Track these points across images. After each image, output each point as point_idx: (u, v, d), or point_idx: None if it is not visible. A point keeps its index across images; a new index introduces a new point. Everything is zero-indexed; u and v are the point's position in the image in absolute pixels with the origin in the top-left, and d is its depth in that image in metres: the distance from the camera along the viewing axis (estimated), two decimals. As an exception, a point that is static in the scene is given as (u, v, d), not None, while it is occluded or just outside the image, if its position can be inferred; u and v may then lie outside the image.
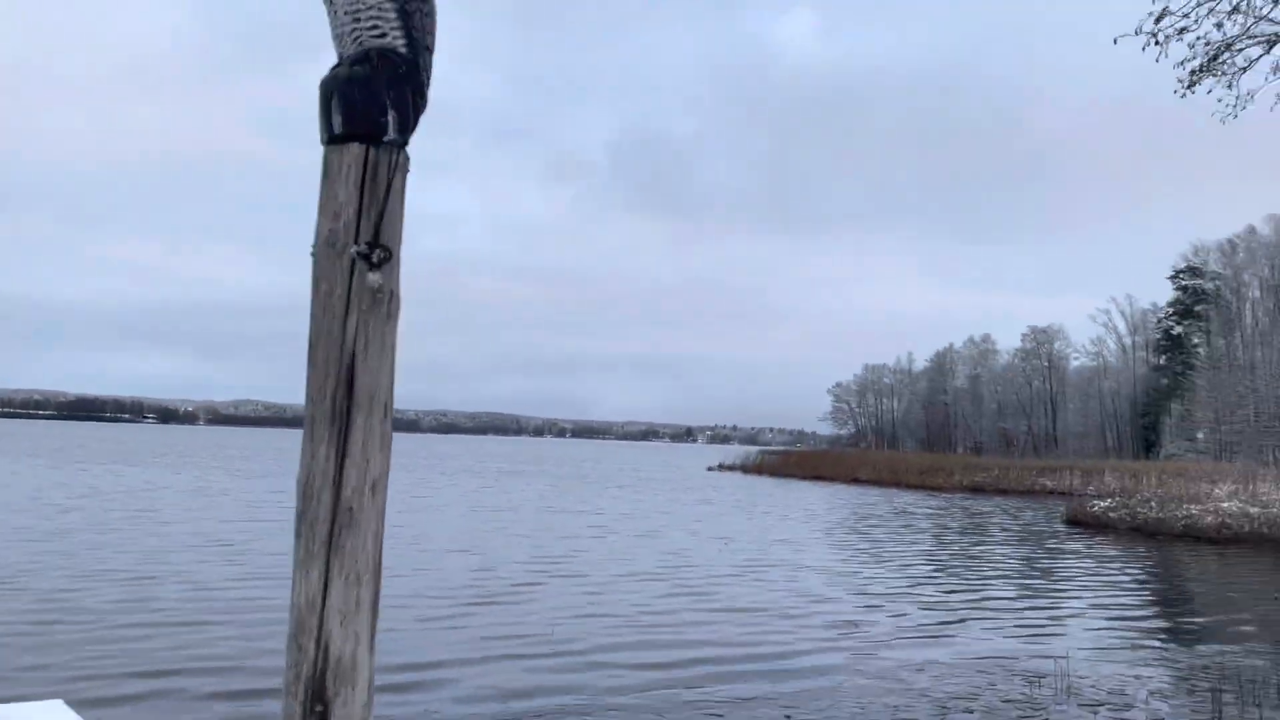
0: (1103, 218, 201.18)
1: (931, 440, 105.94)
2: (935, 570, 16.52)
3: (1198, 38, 9.66)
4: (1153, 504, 26.74)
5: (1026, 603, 13.33)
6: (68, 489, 27.46)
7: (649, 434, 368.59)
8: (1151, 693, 8.31)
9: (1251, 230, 72.89)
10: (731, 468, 64.83)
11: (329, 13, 1.98)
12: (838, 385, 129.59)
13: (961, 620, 11.66)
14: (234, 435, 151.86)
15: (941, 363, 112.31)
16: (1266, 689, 8.20)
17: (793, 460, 66.59)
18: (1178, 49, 9.61)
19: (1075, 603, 13.44)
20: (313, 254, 1.92)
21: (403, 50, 1.95)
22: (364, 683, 1.82)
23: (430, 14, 2.02)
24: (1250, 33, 9.72)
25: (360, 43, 1.93)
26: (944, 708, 7.64)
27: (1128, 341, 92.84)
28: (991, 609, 12.61)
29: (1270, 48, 9.73)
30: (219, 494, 27.87)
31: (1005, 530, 25.21)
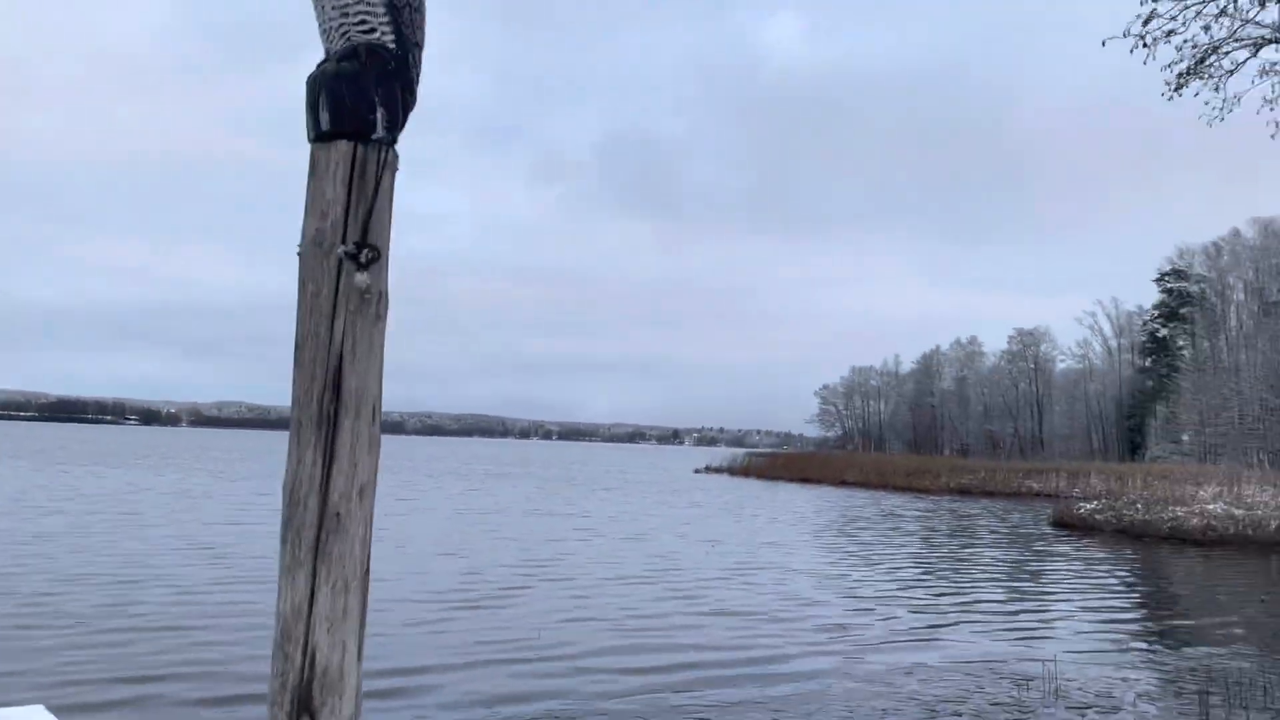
0: (1089, 220, 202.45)
1: (918, 442, 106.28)
2: (923, 573, 16.54)
3: (1185, 40, 9.71)
4: (1139, 506, 26.87)
5: (1014, 605, 13.35)
6: (49, 491, 27.22)
7: (636, 436, 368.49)
8: (1139, 695, 8.32)
9: (1236, 233, 73.51)
10: (719, 470, 64.88)
11: (316, 8, 1.94)
12: (825, 387, 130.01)
13: (950, 623, 11.66)
14: (217, 437, 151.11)
15: (928, 365, 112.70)
16: (1253, 691, 8.22)
17: (780, 462, 66.69)
18: (1165, 52, 9.66)
19: (1063, 605, 13.46)
20: (299, 254, 1.88)
21: (391, 46, 1.91)
22: (351, 692, 1.78)
23: (419, 9, 1.98)
24: (1237, 36, 9.77)
25: (348, 38, 1.89)
26: (933, 711, 7.63)
27: (1113, 344, 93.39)
28: (980, 612, 12.62)
29: (1257, 51, 9.78)
30: (202, 496, 27.69)
31: (992, 533, 25.28)
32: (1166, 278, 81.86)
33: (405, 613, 10.69)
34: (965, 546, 21.43)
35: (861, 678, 8.68)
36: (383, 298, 1.89)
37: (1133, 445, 77.86)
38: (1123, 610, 13.46)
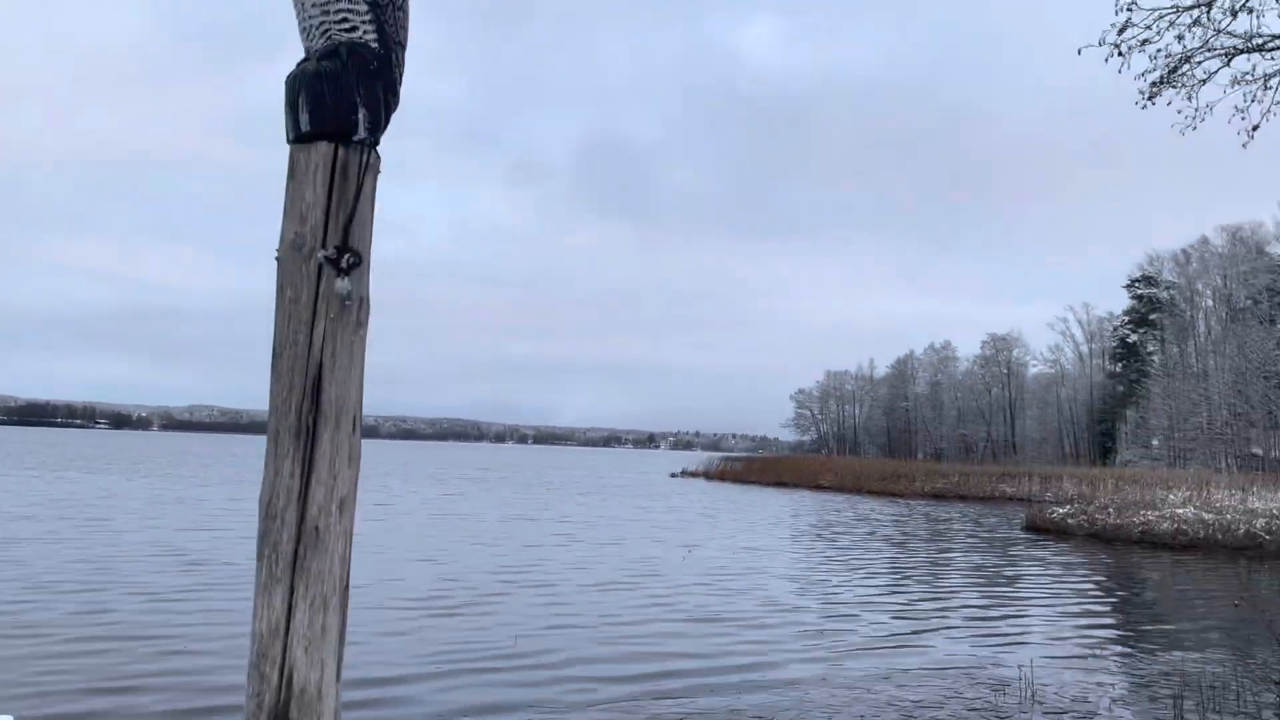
0: (1061, 227, 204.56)
1: (893, 446, 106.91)
2: (900, 578, 16.58)
3: (1159, 50, 9.77)
4: (1110, 511, 27.08)
5: (990, 610, 13.39)
6: (17, 496, 26.78)
7: (611, 440, 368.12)
8: (1114, 700, 8.35)
9: (1204, 241, 74.42)
10: (694, 474, 64.91)
11: (296, 5, 1.88)
12: (800, 392, 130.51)
13: (927, 629, 11.67)
14: (189, 441, 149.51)
15: (902, 369, 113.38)
16: (1226, 695, 8.27)
17: (755, 466, 66.81)
18: (1140, 61, 9.71)
19: (1038, 610, 13.52)
20: (277, 258, 1.82)
21: (374, 45, 1.85)
22: (330, 713, 1.72)
23: (403, 7, 1.93)
24: (1210, 45, 9.84)
25: (329, 37, 1.83)
26: (910, 717, 7.62)
27: (1084, 349, 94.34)
28: (956, 617, 12.65)
29: (1229, 60, 9.86)
30: (174, 502, 27.34)
31: (967, 537, 25.40)
32: (1136, 284, 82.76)
33: (381, 621, 10.57)
34: (941, 551, 21.51)
35: (840, 684, 8.66)
36: (364, 304, 1.83)
37: (1104, 449, 78.62)
38: (1097, 615, 13.54)
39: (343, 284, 1.77)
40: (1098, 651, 10.57)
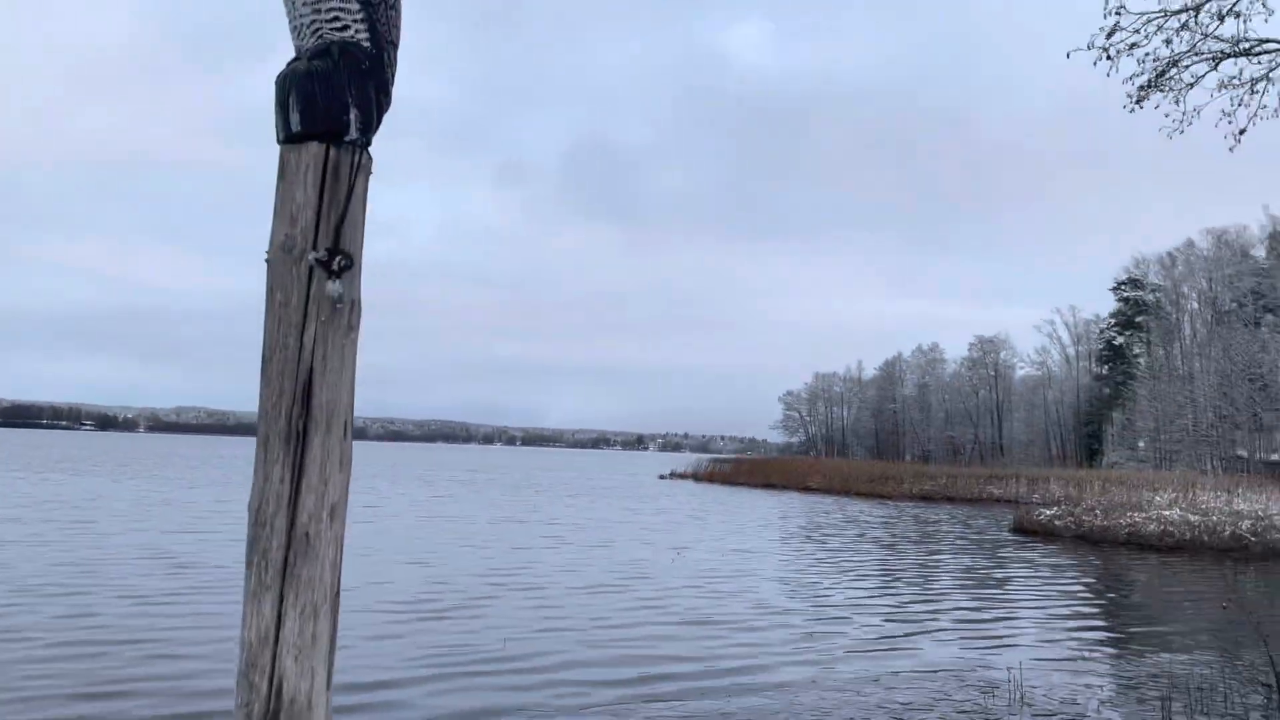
0: (1048, 230, 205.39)
1: (881, 448, 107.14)
2: (889, 580, 16.60)
3: (1147, 54, 9.80)
4: (1097, 512, 27.18)
5: (979, 612, 13.41)
6: (2, 498, 26.59)
7: (600, 442, 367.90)
8: (1102, 701, 8.37)
9: (1190, 244, 74.86)
10: (683, 476, 64.90)
11: (286, 4, 1.85)
12: (788, 393, 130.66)
13: (916, 631, 11.69)
14: (176, 443, 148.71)
15: (890, 371, 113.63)
16: (1213, 696, 8.29)
17: (744, 468, 66.83)
18: (1128, 64, 9.75)
19: (1026, 612, 13.55)
20: (267, 260, 1.79)
21: (366, 44, 1.82)
22: (320, 723, 1.70)
23: (395, 6, 1.90)
24: (1197, 50, 9.88)
25: (320, 35, 1.80)
26: (899, 719, 7.63)
27: (1071, 352, 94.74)
28: (945, 619, 12.66)
29: (1216, 64, 9.90)
30: (161, 504, 27.18)
31: (955, 539, 25.45)
32: (1123, 287, 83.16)
33: (370, 624, 10.51)
34: (929, 553, 21.55)
35: (830, 687, 8.65)
36: (355, 307, 1.80)
37: (1090, 451, 78.94)
38: (1085, 617, 13.58)
39: (334, 287, 1.75)
40: (1086, 653, 10.60)
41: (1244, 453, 59.07)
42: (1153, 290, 78.93)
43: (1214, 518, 24.54)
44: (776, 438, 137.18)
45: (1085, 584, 17.35)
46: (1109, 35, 9.54)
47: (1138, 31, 9.52)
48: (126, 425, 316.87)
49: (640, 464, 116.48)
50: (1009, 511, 33.15)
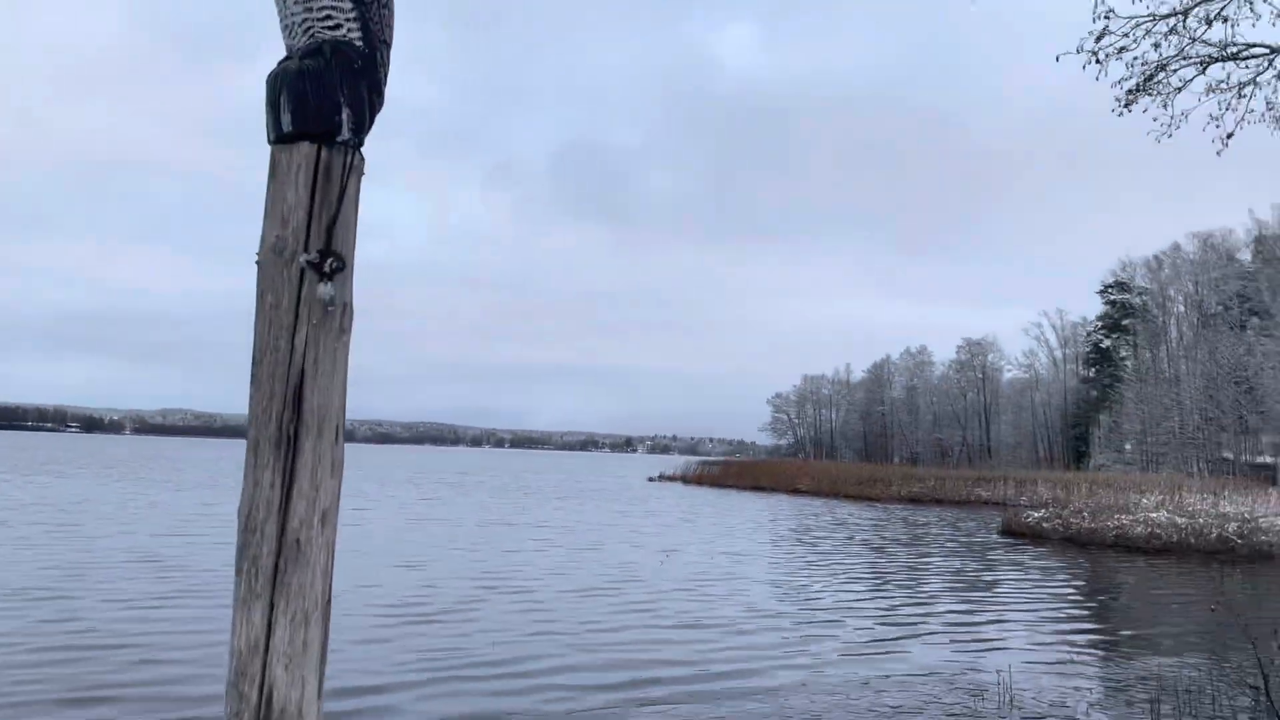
0: (1036, 233, 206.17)
1: (869, 450, 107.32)
2: (879, 583, 16.61)
3: (1135, 58, 9.85)
4: (1085, 514, 27.28)
5: (968, 615, 13.43)
6: (-15, 502, 26.38)
7: (588, 444, 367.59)
8: (1091, 704, 8.39)
9: (1176, 247, 75.30)
10: (672, 478, 64.85)
11: (278, 2, 1.82)
12: (777, 396, 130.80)
13: (906, 634, 11.69)
14: (162, 445, 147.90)
15: (879, 374, 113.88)
16: (1202, 699, 8.32)
17: (733, 470, 66.82)
18: (1116, 68, 9.78)
19: (1015, 614, 13.58)
20: (258, 262, 1.76)
21: (358, 43, 1.80)
22: (311, 732, 1.67)
23: (388, 5, 1.87)
24: (1185, 54, 9.92)
25: (312, 34, 1.78)
26: (892, 723, 7.62)
27: (1058, 354, 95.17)
28: (935, 622, 12.68)
29: (1204, 69, 9.94)
30: (147, 506, 27.02)
31: (944, 542, 25.50)
32: (1110, 290, 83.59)
33: (359, 628, 10.45)
34: (919, 556, 21.58)
35: (820, 690, 8.64)
36: (347, 310, 1.77)
37: (1077, 454, 79.27)
38: (1074, 619, 13.61)
39: (325, 289, 1.72)
40: (1075, 656, 10.62)
41: (1230, 455, 59.43)
42: (1139, 293, 79.37)
43: (1200, 520, 24.66)
44: (765, 440, 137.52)
45: (1074, 586, 17.39)
46: (1098, 39, 9.57)
47: (1126, 35, 9.55)
48: (112, 427, 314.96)
49: (629, 466, 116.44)
50: (997, 514, 33.24)
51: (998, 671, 9.13)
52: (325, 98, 1.76)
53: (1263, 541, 22.41)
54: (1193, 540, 23.30)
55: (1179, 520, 24.79)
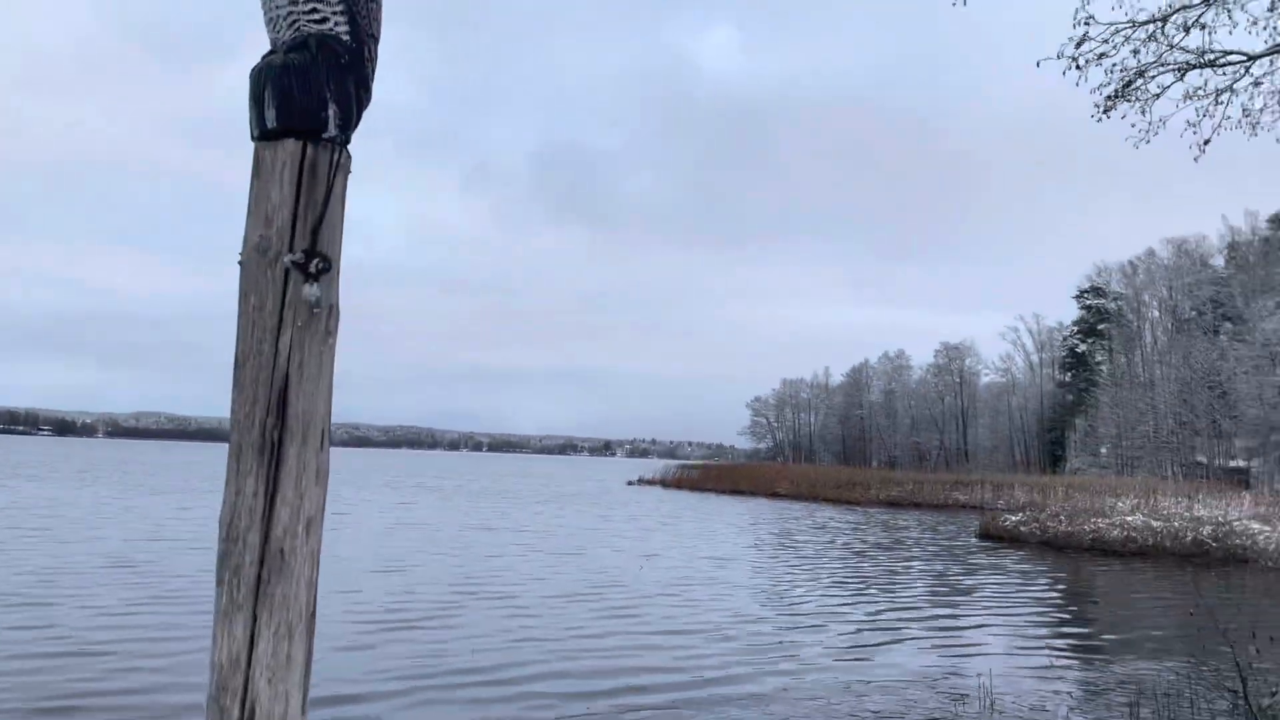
0: (1013, 238, 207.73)
1: (847, 454, 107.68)
2: (859, 588, 16.62)
3: (1114, 64, 9.91)
4: (1062, 518, 27.45)
5: (948, 620, 13.46)
6: (-45, 507, 25.98)
7: (567, 447, 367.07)
8: (1071, 708, 8.42)
9: (1151, 253, 76.11)
10: (651, 482, 64.80)
11: (262, -7, 1.77)
12: (756, 399, 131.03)
13: (887, 639, 11.70)
14: (135, 448, 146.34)
15: (857, 378, 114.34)
16: (1180, 702, 8.35)
17: (712, 474, 66.84)
18: (1096, 74, 9.84)
19: (995, 618, 13.62)
20: (240, 262, 1.70)
21: (345, 38, 1.75)
22: (295, 748, 1.62)
23: (375, -1, 1.83)
24: (1163, 60, 9.99)
25: (298, 28, 1.72)
26: (873, 729, 7.61)
27: (1035, 359, 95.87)
28: (915, 626, 12.69)
29: (1182, 75, 10.02)
30: (121, 511, 26.69)
31: (923, 546, 25.59)
32: (1085, 295, 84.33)
33: (337, 635, 10.33)
34: (899, 560, 21.64)
35: (802, 696, 8.62)
36: (333, 312, 1.72)
37: (1053, 457, 79.85)
38: (1053, 623, 13.67)
39: (311, 290, 1.66)
40: (1055, 660, 10.66)
41: (1203, 459, 60.00)
42: (1114, 298, 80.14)
43: (1176, 523, 24.86)
44: (744, 444, 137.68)
45: (1052, 590, 17.48)
46: (1078, 45, 9.63)
47: (1106, 42, 9.62)
48: (85, 431, 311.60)
49: (608, 470, 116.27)
50: (975, 517, 33.40)
51: (978, 675, 9.14)
52: (311, 93, 1.70)
53: (1236, 545, 22.61)
54: (1168, 544, 23.49)
55: (1154, 524, 24.98)
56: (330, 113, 1.73)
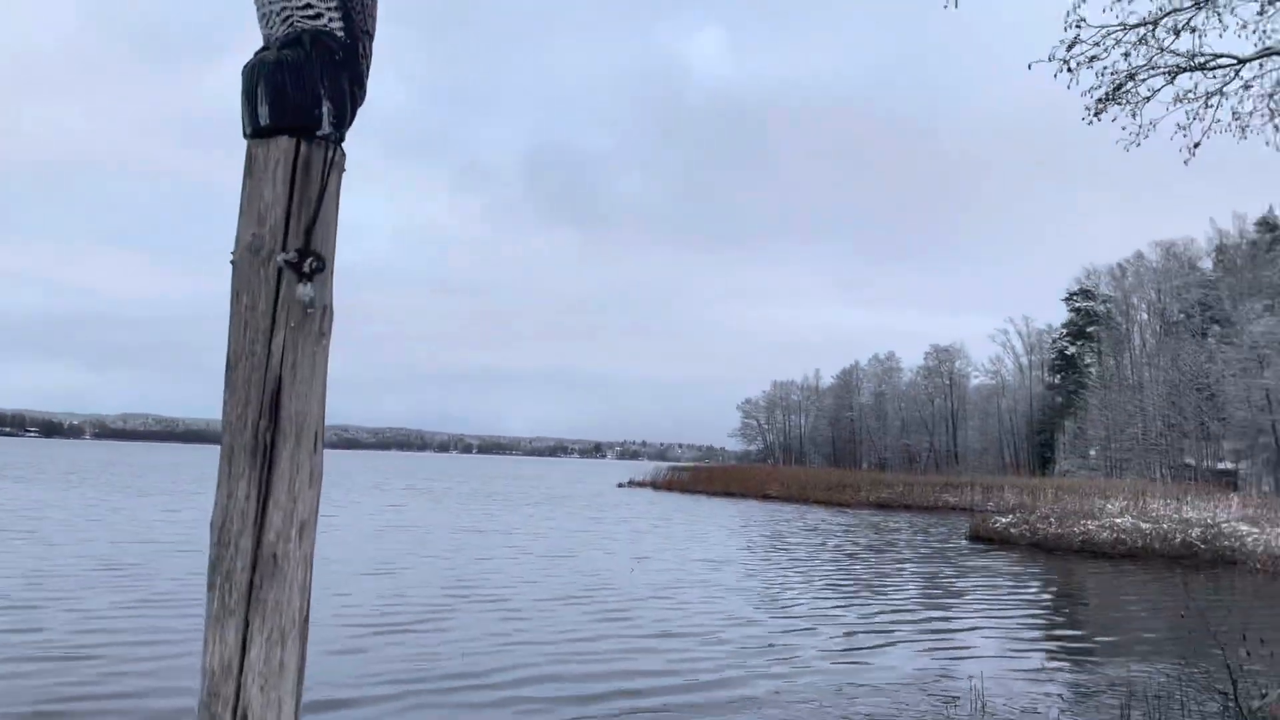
0: (1003, 240, 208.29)
1: (838, 456, 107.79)
2: (851, 590, 16.63)
3: (1105, 67, 9.94)
4: (1052, 520, 27.53)
5: (940, 622, 13.47)
6: (-59, 509, 25.80)
7: (558, 450, 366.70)
8: (1062, 710, 8.44)
9: (1140, 256, 76.46)
10: (642, 484, 64.78)
11: (254, -12, 1.75)
12: (747, 401, 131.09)
13: (878, 641, 11.70)
14: (123, 450, 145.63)
15: (848, 380, 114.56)
16: (1171, 704, 8.37)
17: (703, 476, 66.82)
18: (1087, 77, 9.87)
19: (986, 621, 13.64)
20: (232, 261, 1.68)
21: (340, 34, 1.72)
22: (287, 756, 1.59)
23: (371, -7, 1.80)
24: (1154, 64, 10.03)
25: (291, 24, 1.70)
26: (866, 731, 7.60)
27: (1024, 361, 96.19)
28: (906, 628, 12.70)
29: (1172, 78, 10.05)
30: (109, 513, 26.54)
31: (914, 547, 25.63)
32: (1075, 297, 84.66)
33: (326, 639, 10.26)
34: (890, 562, 21.66)
35: (794, 699, 8.61)
36: (327, 312, 1.69)
37: (1043, 459, 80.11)
38: (1044, 625, 13.70)
39: (305, 290, 1.64)
40: (1046, 662, 10.67)
41: (1192, 461, 60.29)
42: (1103, 301, 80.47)
43: (1165, 525, 24.95)
44: (734, 446, 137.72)
45: (1043, 592, 17.53)
46: (1069, 48, 9.65)
47: (1097, 45, 9.64)
48: (72, 432, 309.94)
49: (598, 472, 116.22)
50: (965, 519, 33.47)
51: (970, 678, 9.15)
52: (305, 90, 1.68)
53: (1225, 547, 22.70)
54: (1157, 545, 23.57)
55: (1144, 526, 25.07)
56: (324, 110, 1.70)
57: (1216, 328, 66.43)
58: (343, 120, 1.74)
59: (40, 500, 30.63)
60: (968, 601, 15.65)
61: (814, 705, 8.38)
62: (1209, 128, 10.03)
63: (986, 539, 27.18)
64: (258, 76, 1.70)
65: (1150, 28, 9.81)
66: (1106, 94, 10.16)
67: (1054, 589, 18.21)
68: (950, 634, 12.47)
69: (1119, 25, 9.50)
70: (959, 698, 8.63)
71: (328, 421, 1.76)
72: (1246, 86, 9.56)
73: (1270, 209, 70.95)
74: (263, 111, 1.69)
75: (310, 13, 1.71)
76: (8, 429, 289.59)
